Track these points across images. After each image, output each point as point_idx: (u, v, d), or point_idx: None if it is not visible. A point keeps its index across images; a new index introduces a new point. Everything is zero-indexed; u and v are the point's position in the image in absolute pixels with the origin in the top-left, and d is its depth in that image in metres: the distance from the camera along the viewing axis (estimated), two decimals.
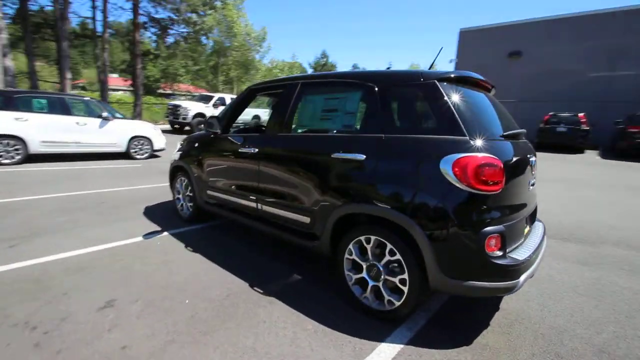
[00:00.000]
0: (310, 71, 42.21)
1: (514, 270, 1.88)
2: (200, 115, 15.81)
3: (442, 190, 1.88)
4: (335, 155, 2.33)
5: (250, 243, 3.49)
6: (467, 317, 2.30)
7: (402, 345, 1.98)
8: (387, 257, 2.10)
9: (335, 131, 2.48)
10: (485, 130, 1.98)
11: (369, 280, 2.22)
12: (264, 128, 3.99)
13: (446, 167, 1.86)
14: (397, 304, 2.08)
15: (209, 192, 3.62)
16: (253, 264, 3.00)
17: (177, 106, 16.07)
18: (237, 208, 3.28)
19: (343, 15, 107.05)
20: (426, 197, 1.93)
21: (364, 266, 2.23)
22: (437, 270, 1.89)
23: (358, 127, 2.36)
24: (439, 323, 2.21)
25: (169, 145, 9.80)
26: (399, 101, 2.20)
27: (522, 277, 1.91)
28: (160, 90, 28.71)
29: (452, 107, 1.99)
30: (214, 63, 24.98)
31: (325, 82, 2.68)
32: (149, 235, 3.60)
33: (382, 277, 2.14)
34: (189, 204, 3.98)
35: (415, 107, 2.19)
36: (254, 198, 3.00)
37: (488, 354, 1.93)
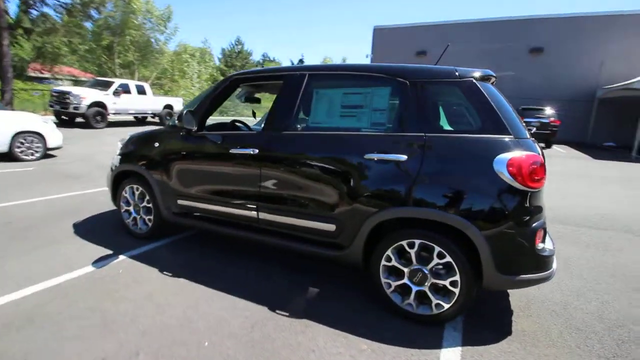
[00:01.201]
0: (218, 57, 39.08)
1: (550, 260, 2.03)
2: (97, 104, 13.30)
3: (497, 190, 1.89)
4: (369, 156, 2.15)
5: (233, 255, 3.05)
6: (491, 308, 2.42)
7: (460, 348, 1.96)
8: (436, 260, 2.04)
9: (361, 130, 2.28)
10: (520, 127, 2.06)
11: (412, 285, 2.13)
12: (238, 124, 3.52)
13: (501, 167, 1.88)
14: (447, 306, 2.05)
15: (180, 201, 3.01)
16: (254, 280, 2.62)
17: (64, 93, 13.20)
18: (226, 218, 2.81)
19: (257, 3, 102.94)
20: (481, 198, 1.92)
21: (406, 272, 2.14)
22: (493, 268, 1.92)
23: (390, 125, 2.22)
24: (473, 318, 2.27)
25: (66, 142, 8.02)
26: (435, 98, 2.13)
27: (554, 265, 2.07)
28: (32, 74, 23.20)
29: (493, 106, 2.01)
30: (108, 43, 21.14)
31: (341, 74, 2.44)
32: (100, 262, 2.83)
33: (429, 281, 2.08)
34: (147, 217, 3.26)
35: (453, 104, 2.15)
36: (254, 206, 2.60)
37: (530, 339, 2.06)
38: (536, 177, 1.89)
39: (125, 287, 2.45)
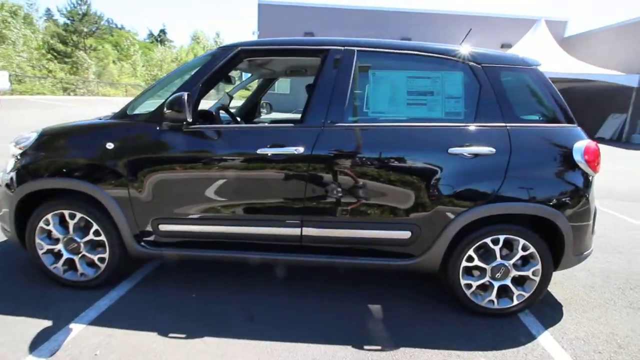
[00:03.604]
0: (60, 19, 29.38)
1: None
2: None
3: (576, 177, 1.97)
4: (455, 150, 1.90)
5: (235, 286, 2.37)
6: None
7: (546, 332, 2.02)
8: (520, 253, 2.01)
9: (436, 120, 1.99)
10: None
11: (493, 282, 2.06)
12: (222, 113, 2.67)
13: (579, 155, 1.94)
14: (527, 295, 2.08)
15: (163, 227, 2.10)
16: (296, 313, 2.08)
17: None
18: (242, 241, 2.12)
19: None
20: (564, 187, 1.96)
21: (488, 269, 2.05)
22: (571, 252, 2.02)
23: (467, 115, 2.00)
24: None
25: None
26: (508, 85, 2.02)
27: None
28: None
29: (559, 94, 2.05)
30: None
31: (401, 54, 2.03)
32: (44, 345, 1.74)
33: (511, 274, 2.05)
34: (97, 256, 2.17)
35: (521, 92, 2.09)
36: (297, 221, 2.02)
37: (576, 305, 2.30)
38: (599, 163, 2.04)
39: None
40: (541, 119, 2.06)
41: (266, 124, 2.41)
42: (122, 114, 2.14)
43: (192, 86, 2.01)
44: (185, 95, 1.80)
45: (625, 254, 3.19)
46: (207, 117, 2.47)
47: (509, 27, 17.82)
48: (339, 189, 1.97)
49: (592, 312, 2.25)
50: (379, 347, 1.83)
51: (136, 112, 2.15)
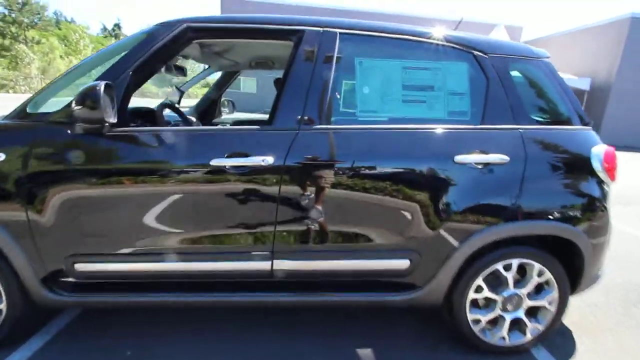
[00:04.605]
0: None
1: None
2: None
3: (596, 188, 1.68)
4: (462, 159, 1.54)
5: (184, 328, 1.87)
6: None
7: None
8: (536, 280, 1.69)
9: (438, 122, 1.61)
10: None
11: (505, 316, 1.73)
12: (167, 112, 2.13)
13: (597, 163, 1.66)
14: (542, 327, 1.77)
15: (80, 266, 1.55)
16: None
17: None
18: (198, 280, 1.62)
19: None
20: (585, 200, 1.66)
21: (499, 301, 1.71)
22: (590, 274, 1.73)
23: (474, 115, 1.63)
24: None
25: None
26: (517, 80, 1.70)
27: None
28: None
29: (571, 92, 1.76)
30: None
31: (393, 39, 1.62)
32: None
33: (524, 305, 1.73)
34: None
35: (534, 89, 1.77)
36: (266, 253, 1.56)
37: (586, 329, 2.05)
38: (616, 170, 1.77)
39: None
40: (554, 120, 1.76)
41: (222, 127, 1.90)
42: (20, 113, 1.55)
43: (118, 74, 1.48)
44: (101, 85, 1.27)
45: (618, 261, 3.05)
46: (147, 116, 1.93)
47: (470, 31, 18.39)
48: (320, 210, 1.53)
49: (605, 338, 2.00)
50: None
51: (41, 110, 1.58)
